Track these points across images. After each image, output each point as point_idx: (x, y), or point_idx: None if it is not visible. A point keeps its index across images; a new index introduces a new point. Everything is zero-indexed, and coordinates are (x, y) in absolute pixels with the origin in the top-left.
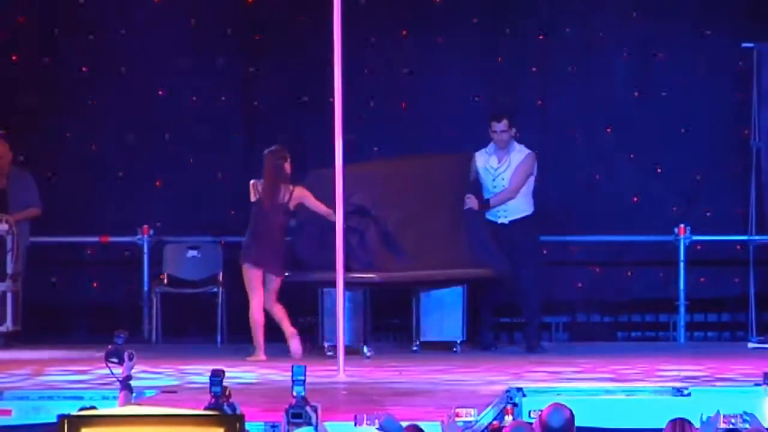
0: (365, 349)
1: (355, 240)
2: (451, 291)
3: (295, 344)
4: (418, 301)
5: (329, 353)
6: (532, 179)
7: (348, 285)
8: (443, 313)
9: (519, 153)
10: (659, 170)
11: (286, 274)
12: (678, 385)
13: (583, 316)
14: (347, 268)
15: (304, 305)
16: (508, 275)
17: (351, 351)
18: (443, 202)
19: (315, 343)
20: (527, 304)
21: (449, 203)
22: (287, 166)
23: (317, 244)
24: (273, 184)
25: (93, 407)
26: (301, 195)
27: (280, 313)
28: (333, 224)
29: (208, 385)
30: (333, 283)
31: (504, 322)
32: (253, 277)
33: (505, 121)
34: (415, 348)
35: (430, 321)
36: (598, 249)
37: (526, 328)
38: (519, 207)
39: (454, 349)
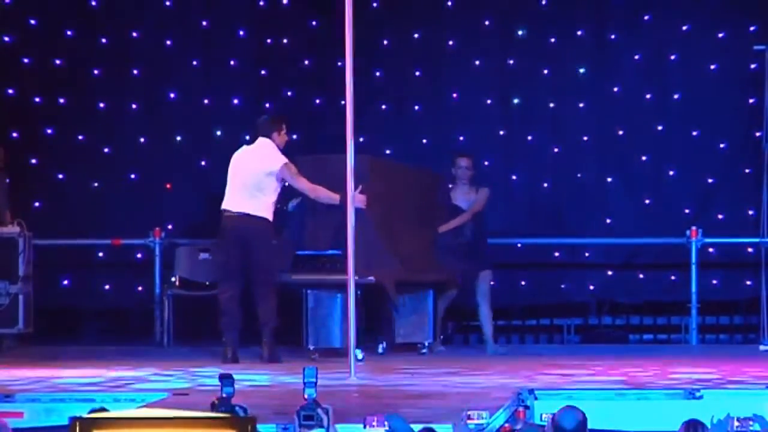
0: (358, 352)
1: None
2: (421, 294)
3: None
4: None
5: (313, 356)
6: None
7: (340, 287)
8: (415, 315)
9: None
10: (671, 173)
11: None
12: (690, 387)
13: (595, 319)
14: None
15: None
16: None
17: (342, 354)
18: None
19: (299, 345)
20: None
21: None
22: None
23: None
24: None
25: (103, 409)
26: None
27: None
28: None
29: (218, 388)
30: (318, 285)
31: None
32: None
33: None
34: (381, 351)
35: (402, 323)
36: (610, 251)
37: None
38: None
39: (423, 351)
